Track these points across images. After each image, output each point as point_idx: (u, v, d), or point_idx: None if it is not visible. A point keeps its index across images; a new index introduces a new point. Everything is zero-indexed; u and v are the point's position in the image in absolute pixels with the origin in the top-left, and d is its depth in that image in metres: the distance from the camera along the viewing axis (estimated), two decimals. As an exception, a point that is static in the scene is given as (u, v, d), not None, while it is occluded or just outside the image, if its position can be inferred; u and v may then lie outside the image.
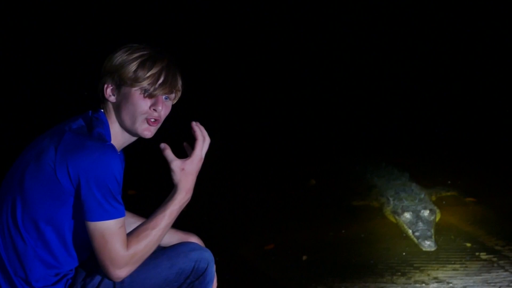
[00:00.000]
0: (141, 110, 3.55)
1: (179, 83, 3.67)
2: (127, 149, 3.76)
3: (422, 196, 6.62)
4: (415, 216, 6.28)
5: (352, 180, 7.26)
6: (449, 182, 7.20)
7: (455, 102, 9.43)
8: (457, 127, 8.71)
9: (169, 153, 3.56)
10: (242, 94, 9.68)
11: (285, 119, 9.00)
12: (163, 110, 3.59)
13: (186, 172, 3.56)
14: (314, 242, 6.10)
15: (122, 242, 3.40)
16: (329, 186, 7.21)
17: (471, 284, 5.41)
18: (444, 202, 6.77)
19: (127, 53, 3.57)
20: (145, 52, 3.57)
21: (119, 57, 3.56)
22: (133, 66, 3.53)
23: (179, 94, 3.70)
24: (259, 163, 7.68)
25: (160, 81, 3.55)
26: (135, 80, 3.52)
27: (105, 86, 3.59)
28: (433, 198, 6.76)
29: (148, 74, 3.53)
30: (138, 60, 3.54)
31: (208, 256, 3.71)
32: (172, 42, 9.59)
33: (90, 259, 3.64)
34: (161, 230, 3.51)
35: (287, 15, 11.10)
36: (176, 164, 3.55)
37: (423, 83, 9.96)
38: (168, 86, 3.58)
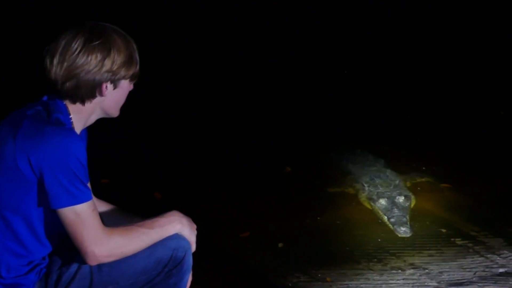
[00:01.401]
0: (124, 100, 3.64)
1: None
2: (100, 139, 3.73)
3: (397, 182, 6.62)
4: (390, 202, 6.28)
5: (327, 167, 7.23)
6: (423, 168, 7.20)
7: (430, 89, 9.43)
8: (432, 114, 8.70)
9: None
10: (217, 77, 9.63)
11: (260, 106, 8.96)
12: None
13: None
14: (290, 229, 6.08)
15: (98, 223, 3.38)
16: (304, 173, 7.18)
17: (447, 269, 5.42)
18: (419, 188, 6.77)
19: (122, 49, 3.52)
20: (131, 46, 3.56)
21: (119, 57, 3.51)
22: (135, 62, 3.56)
23: None
24: (233, 151, 7.63)
25: (138, 65, 3.62)
26: (135, 76, 3.60)
27: (104, 85, 3.52)
28: (408, 184, 6.76)
29: (137, 64, 3.59)
30: (133, 55, 3.56)
31: (185, 244, 3.68)
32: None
33: (67, 248, 3.60)
34: (148, 239, 3.55)
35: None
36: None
37: (398, 69, 9.95)
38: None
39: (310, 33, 10.96)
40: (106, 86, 3.52)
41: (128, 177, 6.94)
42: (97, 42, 3.43)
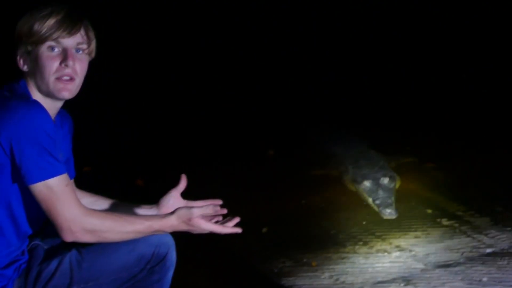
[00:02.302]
0: (50, 70, 3.38)
1: (88, 31, 3.50)
2: (82, 126, 3.67)
3: (382, 163, 6.55)
4: (375, 184, 6.20)
5: (311, 150, 7.18)
6: (408, 148, 7.16)
7: (413, 70, 9.39)
8: (415, 93, 8.67)
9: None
10: (202, 62, 9.57)
11: (243, 88, 8.91)
12: (77, 64, 3.42)
13: (189, 222, 3.50)
14: (274, 214, 6.05)
15: (74, 198, 3.28)
16: (287, 156, 7.14)
17: (434, 251, 5.39)
18: (404, 169, 6.72)
19: (28, 15, 3.42)
20: (44, 9, 3.41)
21: (21, 22, 3.43)
22: (30, 24, 3.39)
23: (93, 44, 3.52)
24: (215, 135, 7.59)
25: (61, 29, 3.39)
26: (32, 36, 3.37)
27: (18, 57, 3.45)
28: (393, 165, 6.70)
29: (44, 26, 3.37)
30: (36, 18, 3.39)
31: (168, 241, 3.59)
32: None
33: (48, 243, 3.54)
34: (132, 229, 3.38)
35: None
36: (195, 212, 3.52)
37: (385, 52, 9.91)
38: (72, 34, 3.40)
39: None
40: (21, 57, 3.45)
41: (110, 164, 6.88)
42: None
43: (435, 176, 6.64)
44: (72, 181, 3.79)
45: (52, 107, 3.48)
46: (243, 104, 8.48)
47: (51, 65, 3.38)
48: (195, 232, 3.54)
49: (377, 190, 6.14)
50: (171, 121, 7.97)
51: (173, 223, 3.46)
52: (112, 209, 3.75)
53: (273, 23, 10.43)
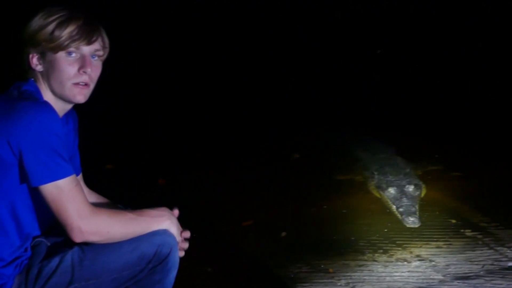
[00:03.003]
0: (68, 75, 3.43)
1: (104, 38, 3.54)
2: (106, 124, 3.66)
3: (408, 170, 6.47)
4: (400, 191, 6.12)
5: (336, 154, 7.10)
6: (436, 156, 7.06)
7: (443, 75, 9.28)
8: (444, 101, 8.55)
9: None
10: (225, 64, 9.54)
11: (269, 90, 8.87)
12: (93, 71, 3.48)
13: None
14: (294, 218, 5.98)
15: (83, 198, 3.31)
16: (312, 160, 7.08)
17: (454, 262, 5.28)
18: (430, 177, 6.62)
19: (43, 17, 3.43)
20: (61, 14, 3.43)
21: (35, 22, 3.43)
22: (49, 29, 3.39)
23: (107, 51, 3.58)
24: (240, 137, 7.55)
25: (80, 36, 3.42)
26: (52, 41, 3.39)
27: (30, 56, 3.46)
28: (419, 172, 6.61)
29: (64, 32, 3.40)
30: (55, 22, 3.40)
31: (171, 241, 3.55)
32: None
33: (50, 240, 3.54)
34: (136, 226, 3.47)
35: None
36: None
37: (409, 57, 9.81)
38: (91, 42, 3.45)
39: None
40: (33, 56, 3.44)
41: (133, 163, 6.88)
42: None
43: (461, 186, 6.51)
44: (81, 177, 3.78)
45: (62, 108, 3.53)
46: (268, 106, 8.43)
47: (70, 71, 3.44)
48: (177, 223, 3.62)
49: (401, 197, 6.06)
50: (196, 121, 7.95)
51: (166, 209, 3.62)
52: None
53: (295, 25, 10.41)
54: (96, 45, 3.49)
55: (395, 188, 6.17)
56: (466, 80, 9.09)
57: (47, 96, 3.45)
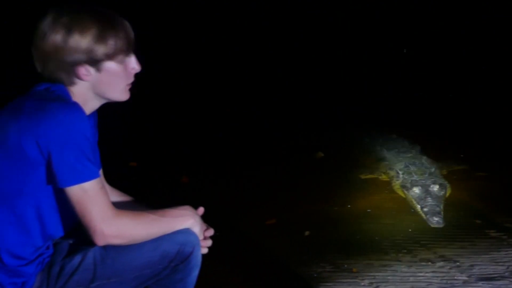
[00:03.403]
0: (128, 81, 3.47)
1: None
2: (129, 122, 3.65)
3: (433, 170, 6.43)
4: (424, 191, 6.10)
5: (361, 153, 7.07)
6: (461, 155, 7.01)
7: (467, 75, 9.22)
8: (471, 100, 8.50)
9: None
10: (246, 64, 9.53)
11: (293, 89, 8.86)
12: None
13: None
14: (318, 217, 5.96)
15: (107, 201, 3.30)
16: (336, 158, 7.05)
17: (479, 262, 5.24)
18: (455, 176, 6.59)
19: (80, 32, 3.31)
20: (105, 19, 3.37)
21: (74, 39, 3.31)
22: (104, 38, 3.34)
23: None
24: (264, 135, 7.54)
25: (127, 40, 3.41)
26: (114, 54, 3.37)
27: (78, 67, 3.35)
28: (444, 172, 6.58)
29: (118, 41, 3.37)
30: (95, 34, 3.33)
31: (194, 239, 3.55)
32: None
33: (72, 238, 3.54)
34: (158, 227, 3.46)
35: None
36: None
37: (434, 54, 9.75)
38: (133, 42, 3.45)
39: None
40: (86, 69, 3.37)
41: (156, 161, 6.88)
42: (62, 20, 3.31)
43: (486, 186, 6.47)
44: (101, 173, 3.77)
45: (95, 106, 3.53)
46: (293, 105, 8.43)
47: (129, 77, 3.47)
48: (200, 222, 3.62)
49: (426, 197, 6.03)
50: (220, 119, 7.96)
51: (189, 208, 3.61)
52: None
53: (320, 22, 10.38)
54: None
55: (419, 187, 6.14)
56: (491, 79, 9.03)
57: (77, 97, 3.43)
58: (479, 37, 10.03)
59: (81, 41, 3.31)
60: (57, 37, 3.30)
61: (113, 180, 3.97)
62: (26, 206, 3.34)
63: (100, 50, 3.34)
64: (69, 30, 3.30)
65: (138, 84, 3.61)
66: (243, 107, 8.33)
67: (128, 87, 3.50)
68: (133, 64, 3.45)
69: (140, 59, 3.54)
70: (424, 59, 9.63)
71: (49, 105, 3.26)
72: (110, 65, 3.40)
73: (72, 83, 3.39)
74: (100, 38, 3.33)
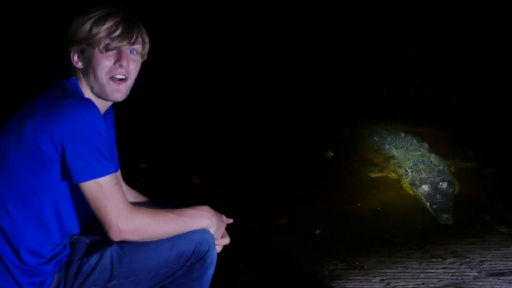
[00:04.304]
0: (103, 67, 3.47)
1: (143, 34, 3.58)
2: (140, 123, 3.68)
3: (441, 167, 6.48)
4: (433, 189, 6.15)
5: (370, 151, 7.11)
6: (469, 153, 7.04)
7: (476, 69, 9.22)
8: (479, 97, 8.51)
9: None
10: (255, 65, 9.55)
11: (302, 89, 8.88)
12: (130, 65, 3.50)
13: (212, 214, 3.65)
14: (329, 215, 6.00)
15: (122, 197, 3.34)
16: (346, 157, 7.09)
17: (489, 258, 5.28)
18: (464, 173, 6.63)
19: (82, 16, 3.49)
20: (99, 11, 3.49)
21: (75, 21, 3.49)
22: (87, 26, 3.44)
23: (147, 47, 3.60)
24: (276, 135, 7.57)
25: (117, 33, 3.46)
26: (90, 38, 3.44)
27: (71, 53, 3.51)
28: (453, 169, 6.63)
29: (102, 29, 3.44)
30: (92, 19, 3.46)
31: (209, 239, 3.58)
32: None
33: (89, 238, 3.58)
34: (175, 225, 3.49)
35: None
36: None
37: (442, 51, 9.75)
38: (127, 37, 3.48)
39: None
40: (74, 55, 3.50)
41: (167, 161, 6.91)
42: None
43: (495, 183, 6.51)
44: (119, 174, 3.83)
45: (103, 105, 3.57)
46: (303, 103, 8.45)
47: (105, 63, 3.47)
48: (216, 223, 3.64)
49: (435, 194, 6.08)
50: (230, 120, 7.98)
51: (207, 208, 3.63)
52: None
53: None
54: (136, 44, 3.54)
55: (428, 185, 6.20)
56: (499, 76, 9.04)
57: (87, 93, 3.51)
58: (486, 34, 10.02)
59: (74, 27, 3.49)
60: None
61: (124, 182, 4.01)
62: (43, 204, 3.38)
63: (80, 34, 3.46)
64: (74, 19, 3.49)
65: (147, 86, 3.65)
66: (253, 107, 8.34)
67: (115, 82, 3.50)
68: (117, 56, 3.49)
69: (148, 62, 3.60)
70: (432, 57, 9.62)
71: (62, 102, 3.32)
72: (90, 52, 3.47)
73: (73, 72, 3.53)
74: (83, 25, 3.47)
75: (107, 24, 3.45)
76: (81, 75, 3.52)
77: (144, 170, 6.63)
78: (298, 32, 10.18)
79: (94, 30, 3.44)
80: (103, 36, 3.44)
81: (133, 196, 3.94)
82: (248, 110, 8.24)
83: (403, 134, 7.16)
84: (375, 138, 7.23)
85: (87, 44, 3.45)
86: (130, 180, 4.08)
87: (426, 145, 6.92)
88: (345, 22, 10.38)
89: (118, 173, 3.84)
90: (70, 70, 3.56)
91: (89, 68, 3.47)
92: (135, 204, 3.64)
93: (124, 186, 3.89)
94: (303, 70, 9.40)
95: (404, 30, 10.14)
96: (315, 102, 8.53)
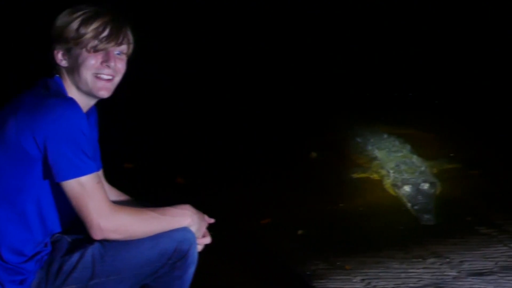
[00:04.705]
0: (89, 65, 3.49)
1: (129, 35, 3.61)
2: (123, 123, 3.69)
3: (423, 169, 6.53)
4: (415, 189, 6.20)
5: (353, 152, 7.15)
6: (452, 154, 7.08)
7: (459, 70, 9.26)
8: (462, 98, 8.55)
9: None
10: (236, 63, 9.56)
11: (285, 89, 8.90)
12: (117, 64, 3.54)
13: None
14: (311, 216, 6.02)
15: (104, 196, 3.37)
16: (329, 158, 7.11)
17: (469, 258, 5.33)
18: (446, 175, 6.66)
19: (69, 14, 3.50)
20: (87, 10, 3.51)
21: (61, 19, 3.51)
22: (74, 25, 3.46)
23: (131, 47, 3.64)
24: (258, 135, 7.59)
25: (105, 34, 3.49)
26: (78, 38, 3.46)
27: (55, 52, 3.53)
28: (435, 170, 6.66)
29: (90, 29, 3.46)
30: (80, 18, 3.47)
31: (191, 237, 3.62)
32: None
33: (70, 234, 3.61)
34: (157, 224, 3.52)
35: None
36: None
37: (424, 50, 9.79)
38: (115, 38, 3.51)
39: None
40: (58, 53, 3.51)
41: (151, 161, 6.93)
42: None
43: (478, 184, 6.54)
44: (101, 173, 3.85)
45: (87, 104, 3.59)
46: (286, 103, 8.47)
47: (92, 62, 3.49)
48: (198, 222, 3.68)
49: (417, 195, 6.14)
50: (213, 120, 7.98)
51: (189, 207, 3.66)
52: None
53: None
54: (123, 45, 3.58)
55: (410, 186, 6.25)
56: (483, 76, 9.08)
57: (72, 92, 3.53)
58: (469, 36, 10.08)
59: (56, 25, 3.51)
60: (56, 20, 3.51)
61: (108, 182, 4.03)
62: (26, 203, 3.41)
63: (66, 34, 3.48)
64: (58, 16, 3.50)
65: (132, 85, 3.67)
66: (235, 107, 8.35)
67: (101, 81, 3.52)
68: (105, 57, 3.52)
69: (134, 60, 3.63)
70: (416, 59, 9.66)
71: (46, 101, 3.34)
72: (77, 51, 3.49)
73: (57, 69, 3.54)
74: (69, 23, 3.48)
75: (95, 24, 3.47)
76: (65, 74, 3.54)
77: (128, 170, 6.63)
78: (283, 34, 10.20)
79: (82, 30, 3.46)
80: (91, 37, 3.46)
81: (115, 195, 3.96)
82: (233, 111, 8.24)
83: (386, 136, 7.20)
84: (358, 139, 7.27)
85: (74, 44, 3.48)
86: (114, 180, 4.10)
87: (408, 146, 6.96)
88: (331, 25, 10.41)
89: (100, 172, 3.86)
90: (53, 68, 3.58)
91: (75, 66, 3.49)
92: (117, 203, 3.67)
93: (106, 185, 3.92)
94: (288, 72, 9.40)
95: (388, 32, 10.18)
96: (299, 104, 8.53)
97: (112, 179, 4.08)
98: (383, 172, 6.60)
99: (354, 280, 5.09)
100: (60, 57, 3.53)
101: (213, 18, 10.33)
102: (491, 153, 7.20)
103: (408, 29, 10.19)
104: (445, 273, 5.13)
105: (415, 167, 6.52)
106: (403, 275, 5.15)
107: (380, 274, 5.17)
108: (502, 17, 10.21)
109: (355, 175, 6.74)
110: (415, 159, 6.70)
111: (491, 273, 5.10)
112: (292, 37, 10.12)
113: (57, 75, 3.56)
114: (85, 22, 3.47)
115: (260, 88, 8.91)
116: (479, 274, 5.10)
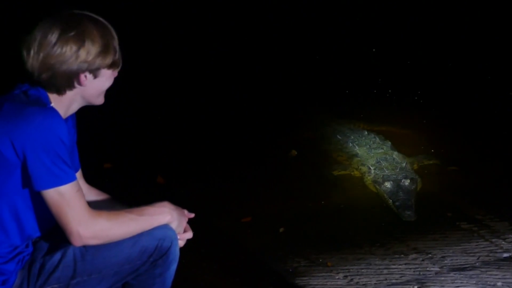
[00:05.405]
0: (110, 84, 3.55)
1: None
2: (103, 123, 3.67)
3: (404, 165, 6.54)
4: (396, 186, 6.21)
5: (333, 150, 7.16)
6: (432, 151, 7.11)
7: (438, 67, 9.29)
8: (441, 95, 8.58)
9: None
10: (214, 61, 9.54)
11: (265, 87, 8.89)
12: None
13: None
14: (292, 214, 6.03)
15: (83, 204, 3.36)
16: (310, 156, 7.12)
17: (450, 254, 5.35)
18: (426, 171, 6.70)
19: (90, 40, 3.41)
20: (108, 32, 3.48)
21: (86, 48, 3.41)
22: (112, 49, 3.46)
23: None
24: (238, 133, 7.58)
25: (118, 52, 3.53)
26: (115, 64, 3.50)
27: (80, 75, 3.43)
28: (415, 167, 6.69)
29: (116, 53, 3.49)
30: (113, 42, 3.48)
31: (172, 234, 3.61)
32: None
33: (52, 236, 3.58)
34: (135, 225, 3.51)
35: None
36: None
37: (405, 47, 9.81)
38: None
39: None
40: (85, 76, 3.44)
41: (131, 161, 6.90)
42: (72, 34, 3.36)
43: (458, 180, 6.58)
44: (80, 173, 3.83)
45: (75, 109, 3.59)
46: (267, 101, 8.46)
47: (111, 80, 3.56)
48: (178, 218, 3.67)
49: (398, 191, 6.15)
50: (193, 119, 7.97)
51: (167, 204, 3.65)
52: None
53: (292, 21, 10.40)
54: None
55: (391, 182, 6.26)
56: (466, 74, 9.11)
57: (55, 100, 3.48)
58: (447, 33, 10.11)
59: (91, 53, 3.40)
60: (67, 49, 3.37)
61: (88, 183, 4.01)
62: (2, 207, 3.39)
63: (106, 60, 3.44)
64: (81, 44, 3.38)
65: (113, 87, 3.66)
66: (215, 106, 8.33)
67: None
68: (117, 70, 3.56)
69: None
70: (395, 56, 9.67)
71: (26, 109, 3.31)
72: (105, 72, 3.48)
73: (66, 88, 3.46)
74: (106, 49, 3.43)
75: (115, 42, 3.50)
76: (64, 90, 3.48)
77: (108, 170, 6.61)
78: (262, 32, 10.19)
79: (117, 57, 3.50)
80: (118, 58, 3.51)
81: (94, 194, 3.94)
82: (212, 109, 8.23)
83: (366, 133, 7.22)
84: (338, 136, 7.28)
85: (108, 66, 3.48)
86: (94, 180, 4.08)
87: (389, 143, 6.99)
88: (310, 22, 10.41)
89: (79, 172, 3.84)
90: (39, 83, 3.47)
91: (99, 84, 3.50)
92: (96, 202, 3.73)
93: (85, 186, 3.90)
94: (268, 70, 9.40)
95: (367, 29, 10.20)
96: (280, 101, 8.53)
97: (92, 179, 4.05)
98: (364, 169, 6.61)
99: (337, 277, 5.10)
100: (83, 79, 3.45)
101: (195, 17, 10.31)
102: (470, 149, 7.22)
103: (387, 26, 10.21)
104: (427, 269, 5.15)
105: (396, 164, 6.54)
106: (385, 271, 5.16)
107: (362, 270, 5.18)
108: (479, 15, 10.24)
109: (336, 172, 6.75)
110: (395, 155, 6.72)
111: (472, 268, 5.12)
112: (271, 36, 10.11)
113: (42, 88, 3.50)
114: (114, 43, 3.49)
115: (240, 86, 8.89)
116: (461, 269, 5.11)
